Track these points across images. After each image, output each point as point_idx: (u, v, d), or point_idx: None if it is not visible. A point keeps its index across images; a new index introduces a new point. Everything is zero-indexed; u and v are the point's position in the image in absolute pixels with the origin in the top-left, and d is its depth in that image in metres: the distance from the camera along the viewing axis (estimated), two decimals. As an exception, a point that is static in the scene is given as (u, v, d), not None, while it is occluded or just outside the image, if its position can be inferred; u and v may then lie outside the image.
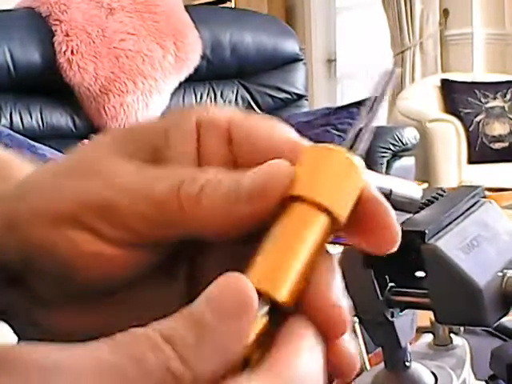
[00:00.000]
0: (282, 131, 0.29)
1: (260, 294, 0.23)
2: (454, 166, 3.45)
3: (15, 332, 0.35)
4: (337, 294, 0.26)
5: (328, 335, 0.25)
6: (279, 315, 0.24)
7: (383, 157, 2.70)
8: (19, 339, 0.33)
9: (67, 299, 0.29)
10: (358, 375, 0.63)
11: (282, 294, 0.24)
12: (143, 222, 0.27)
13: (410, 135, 2.76)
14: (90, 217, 0.27)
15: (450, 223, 0.49)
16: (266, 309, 0.23)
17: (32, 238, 0.28)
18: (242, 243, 0.27)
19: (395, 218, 0.27)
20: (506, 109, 3.61)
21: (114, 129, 0.30)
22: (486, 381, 0.75)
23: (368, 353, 0.69)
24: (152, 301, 0.29)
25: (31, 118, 2.49)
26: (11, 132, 2.18)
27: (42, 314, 0.30)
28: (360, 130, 0.28)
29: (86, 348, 0.21)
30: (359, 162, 0.27)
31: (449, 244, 0.46)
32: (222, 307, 0.22)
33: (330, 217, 0.25)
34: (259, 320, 0.23)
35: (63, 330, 0.30)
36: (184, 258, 0.30)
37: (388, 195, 0.45)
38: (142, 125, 0.30)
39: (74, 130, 2.60)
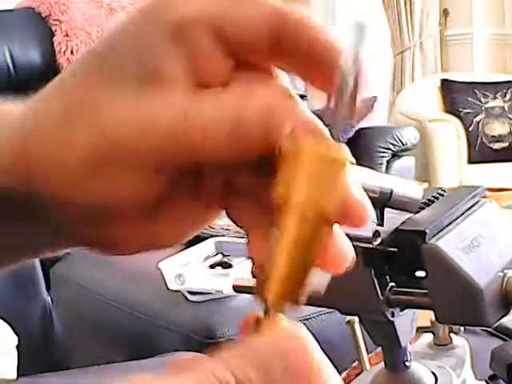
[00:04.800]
0: (264, 10, 0.28)
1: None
2: (454, 166, 3.45)
3: (15, 331, 0.36)
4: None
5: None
6: None
7: (383, 157, 2.70)
8: (19, 338, 0.33)
9: (99, 226, 0.31)
10: (357, 375, 0.63)
11: (298, 304, 0.27)
12: (155, 154, 0.28)
13: (409, 135, 2.76)
14: (106, 156, 0.29)
15: (451, 223, 0.49)
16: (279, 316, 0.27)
17: (54, 188, 0.29)
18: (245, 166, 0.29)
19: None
20: (506, 109, 3.61)
21: (89, 53, 0.30)
22: (486, 381, 0.75)
23: (368, 353, 0.69)
24: (181, 216, 0.32)
25: (31, 117, 2.48)
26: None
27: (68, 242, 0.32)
28: (338, 113, 0.28)
29: None
30: (342, 152, 0.27)
31: (449, 244, 0.46)
32: (295, 374, 0.24)
33: (324, 216, 0.27)
34: None
35: (91, 242, 0.32)
36: (198, 177, 0.31)
37: (388, 195, 0.45)
38: (120, 38, 0.29)
39: (73, 129, 2.60)
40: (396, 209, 0.46)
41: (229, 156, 0.29)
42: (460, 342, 0.67)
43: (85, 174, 0.29)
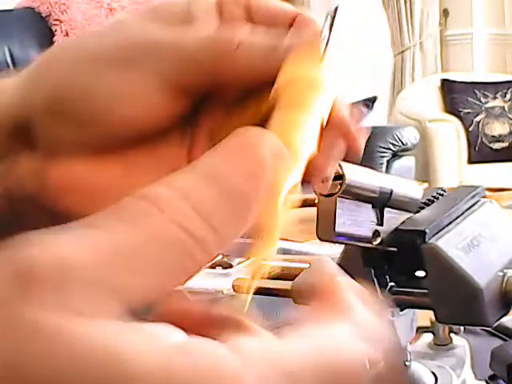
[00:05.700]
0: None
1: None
2: (454, 166, 3.45)
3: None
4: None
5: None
6: None
7: (383, 157, 2.70)
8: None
9: (85, 147, 0.30)
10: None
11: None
12: (176, 68, 0.29)
13: (409, 135, 2.76)
14: (125, 58, 0.29)
15: (451, 223, 0.49)
16: None
17: (65, 82, 0.30)
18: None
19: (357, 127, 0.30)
20: (506, 109, 3.61)
21: (137, 10, 0.32)
22: (486, 381, 0.75)
23: (368, 353, 0.69)
24: (163, 157, 0.31)
25: (31, 117, 2.49)
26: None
27: (54, 170, 0.31)
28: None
29: (97, 231, 0.18)
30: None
31: (449, 243, 0.46)
32: (245, 165, 0.19)
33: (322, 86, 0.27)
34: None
35: (74, 185, 0.31)
36: (192, 119, 0.31)
37: (388, 195, 0.45)
38: (164, 3, 0.32)
39: (73, 129, 2.60)
40: (396, 209, 0.46)
41: (259, 78, 0.29)
42: (460, 342, 0.67)
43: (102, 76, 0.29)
